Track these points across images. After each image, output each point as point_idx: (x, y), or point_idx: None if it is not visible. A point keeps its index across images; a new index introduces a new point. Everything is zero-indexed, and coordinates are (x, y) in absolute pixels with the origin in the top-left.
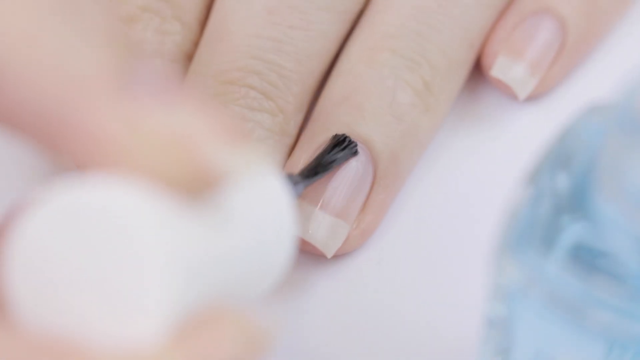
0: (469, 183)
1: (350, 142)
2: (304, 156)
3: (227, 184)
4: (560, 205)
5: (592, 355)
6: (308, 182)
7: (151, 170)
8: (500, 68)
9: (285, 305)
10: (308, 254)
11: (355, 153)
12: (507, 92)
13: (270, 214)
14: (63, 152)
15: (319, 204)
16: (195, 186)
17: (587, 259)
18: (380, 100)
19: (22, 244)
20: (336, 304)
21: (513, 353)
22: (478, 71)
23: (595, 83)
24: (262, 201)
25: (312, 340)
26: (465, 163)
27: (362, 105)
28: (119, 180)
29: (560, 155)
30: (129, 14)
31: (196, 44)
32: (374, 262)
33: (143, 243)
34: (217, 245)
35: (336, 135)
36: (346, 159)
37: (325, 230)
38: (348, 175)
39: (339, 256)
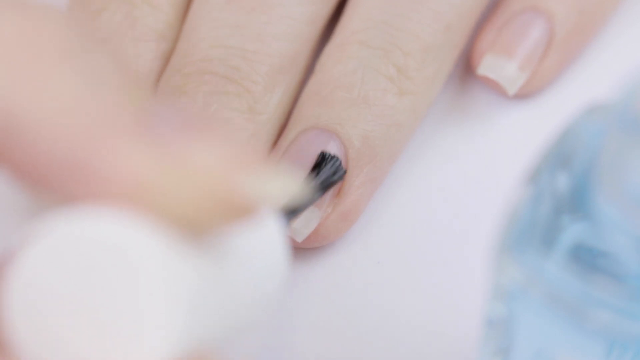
0: (469, 183)
1: (330, 157)
2: (278, 153)
3: (258, 212)
4: (560, 205)
5: (592, 355)
6: (302, 210)
7: (174, 206)
8: (487, 66)
9: (284, 305)
10: (307, 253)
11: (339, 167)
12: (497, 90)
13: (269, 254)
14: (80, 196)
15: None
16: (215, 219)
17: (587, 259)
18: (348, 91)
19: (20, 278)
20: (336, 303)
21: (513, 353)
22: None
23: (593, 82)
24: (263, 240)
25: (311, 340)
26: (465, 163)
27: (329, 97)
28: (124, 215)
29: (560, 155)
30: (97, 7)
31: (169, 25)
32: (374, 262)
33: (145, 282)
34: (217, 285)
35: (317, 156)
36: (333, 174)
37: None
38: None
39: (338, 255)
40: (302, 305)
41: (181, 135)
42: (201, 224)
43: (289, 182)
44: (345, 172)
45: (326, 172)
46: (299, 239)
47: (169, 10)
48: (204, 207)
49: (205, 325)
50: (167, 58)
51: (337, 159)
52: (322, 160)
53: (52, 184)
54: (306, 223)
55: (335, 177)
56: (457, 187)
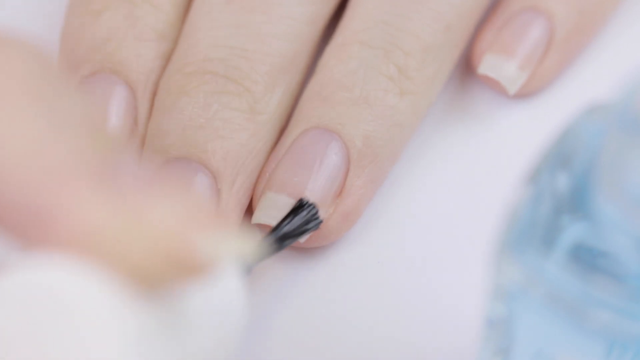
0: (469, 183)
1: (308, 204)
2: (279, 153)
3: (213, 270)
4: (560, 205)
5: (592, 355)
6: (270, 254)
7: (128, 259)
8: (487, 65)
9: (283, 305)
10: (307, 253)
11: (315, 216)
12: (497, 89)
13: (225, 307)
14: (35, 242)
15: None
16: (169, 275)
17: (587, 259)
18: (349, 91)
19: None
20: (336, 303)
21: (513, 353)
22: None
23: (593, 82)
24: (219, 294)
25: (311, 340)
26: (465, 163)
27: (330, 97)
28: (76, 264)
29: (560, 155)
30: (98, 6)
31: (170, 25)
32: (374, 262)
33: (92, 332)
34: (169, 336)
35: (297, 201)
36: (306, 223)
37: None
38: (325, 165)
39: (338, 255)
40: (302, 305)
41: (142, 187)
42: (154, 277)
43: (246, 241)
44: (321, 222)
45: (300, 219)
46: (301, 239)
47: (170, 10)
48: (157, 262)
49: None
50: (167, 58)
51: (315, 207)
52: (300, 207)
53: (9, 226)
54: None
55: (309, 225)
56: (457, 187)
